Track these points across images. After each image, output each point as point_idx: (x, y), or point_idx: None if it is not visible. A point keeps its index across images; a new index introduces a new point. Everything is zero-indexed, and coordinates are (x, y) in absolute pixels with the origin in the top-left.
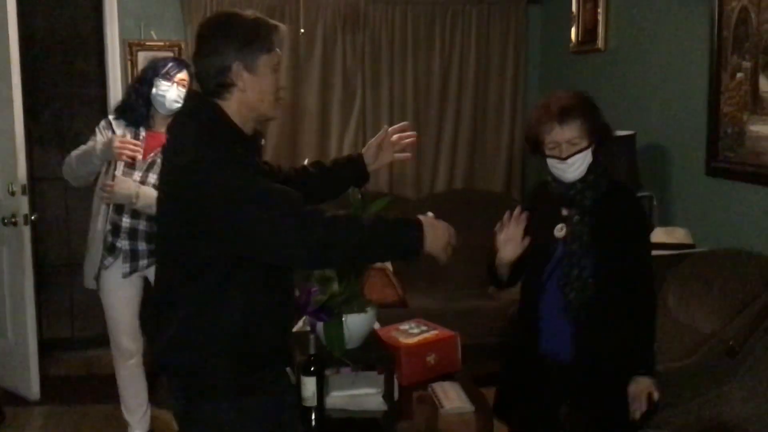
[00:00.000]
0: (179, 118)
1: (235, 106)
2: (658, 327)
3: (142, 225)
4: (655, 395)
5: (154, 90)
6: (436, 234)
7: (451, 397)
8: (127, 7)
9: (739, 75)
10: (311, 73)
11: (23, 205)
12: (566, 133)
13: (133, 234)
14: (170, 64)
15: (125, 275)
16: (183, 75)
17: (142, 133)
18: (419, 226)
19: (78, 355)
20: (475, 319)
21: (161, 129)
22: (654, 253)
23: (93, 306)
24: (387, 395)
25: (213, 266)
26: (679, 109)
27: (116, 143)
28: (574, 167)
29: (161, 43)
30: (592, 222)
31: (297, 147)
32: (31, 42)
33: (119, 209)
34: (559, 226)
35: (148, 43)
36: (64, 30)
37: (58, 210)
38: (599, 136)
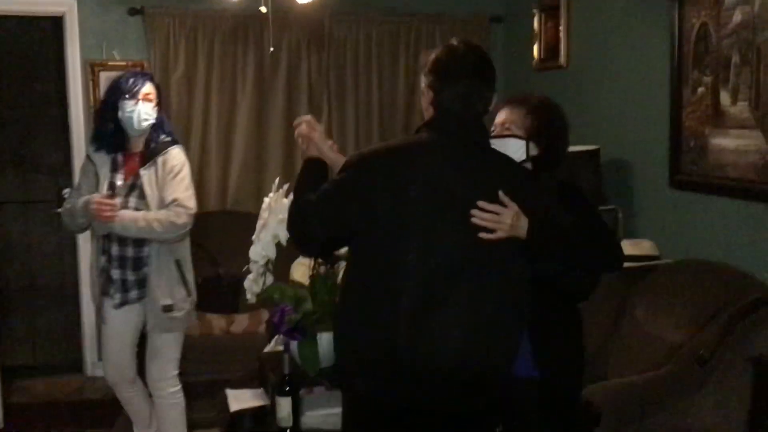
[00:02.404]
0: (480, 138)
1: None
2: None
3: (129, 252)
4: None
5: (120, 112)
6: None
7: None
8: (89, 27)
9: (700, 90)
10: (276, 90)
11: None
12: (503, 115)
13: (122, 262)
14: (131, 80)
15: (116, 306)
16: (147, 89)
17: (120, 158)
18: None
19: (41, 382)
20: None
21: (137, 149)
22: None
23: (54, 332)
24: None
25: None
26: (641, 123)
27: (93, 206)
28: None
29: (124, 63)
30: None
31: (263, 163)
32: None
33: (108, 236)
34: None
35: (110, 63)
36: (23, 51)
37: (17, 234)
38: (545, 141)
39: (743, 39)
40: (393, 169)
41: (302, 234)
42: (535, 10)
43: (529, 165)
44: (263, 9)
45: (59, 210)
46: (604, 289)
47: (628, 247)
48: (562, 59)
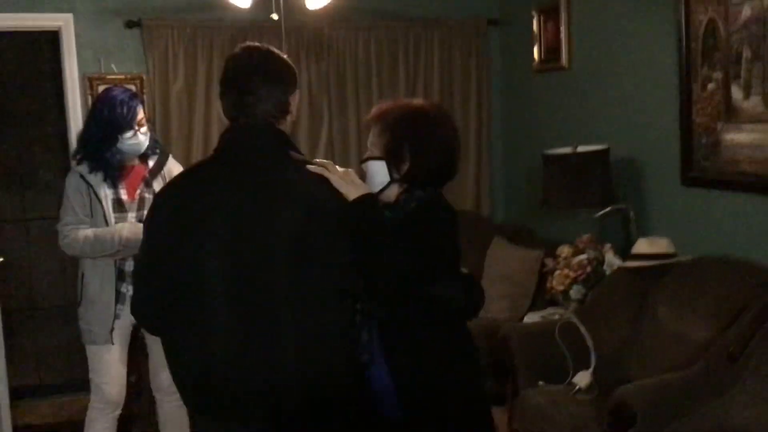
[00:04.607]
0: (266, 148)
1: (283, 129)
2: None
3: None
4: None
5: (119, 144)
6: None
7: None
8: (85, 40)
9: (710, 86)
10: None
11: None
12: (370, 135)
13: None
14: (125, 111)
15: (135, 324)
16: (141, 114)
17: (116, 174)
18: None
19: (47, 402)
20: None
21: (132, 163)
22: (637, 264)
23: (59, 352)
24: None
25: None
26: (650, 121)
27: None
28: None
29: (122, 76)
30: None
31: None
32: None
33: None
34: None
35: (109, 77)
36: (19, 67)
37: (20, 253)
38: (409, 156)
39: (754, 34)
40: (181, 199)
41: None
42: (533, 12)
43: (396, 186)
44: (275, 16)
45: (64, 242)
46: (621, 289)
47: (645, 245)
48: (564, 60)
